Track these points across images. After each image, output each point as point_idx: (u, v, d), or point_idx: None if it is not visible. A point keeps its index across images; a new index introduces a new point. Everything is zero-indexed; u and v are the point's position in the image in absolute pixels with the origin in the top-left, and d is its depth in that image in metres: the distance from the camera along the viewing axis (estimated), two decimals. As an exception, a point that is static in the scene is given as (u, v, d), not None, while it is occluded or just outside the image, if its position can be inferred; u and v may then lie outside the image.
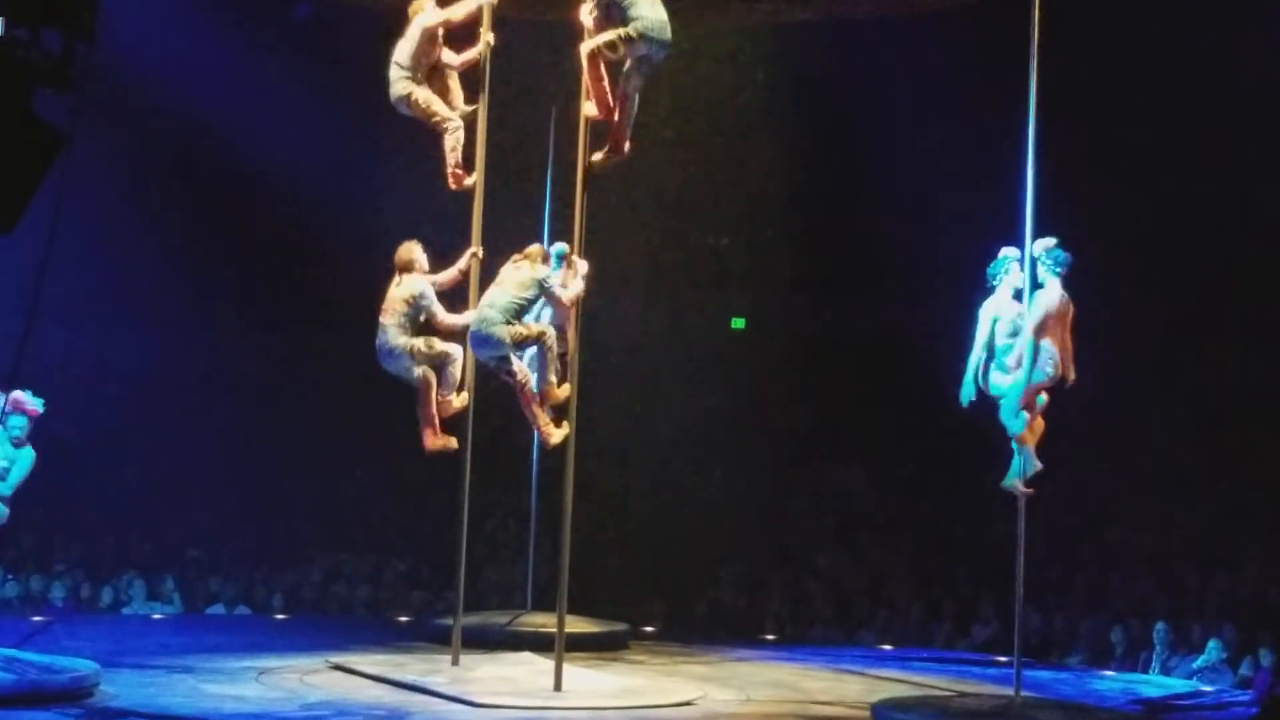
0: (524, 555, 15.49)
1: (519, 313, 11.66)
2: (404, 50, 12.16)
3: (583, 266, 11.76)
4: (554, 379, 11.81)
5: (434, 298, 11.87)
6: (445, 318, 11.90)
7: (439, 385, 11.88)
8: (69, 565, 17.61)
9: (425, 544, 18.26)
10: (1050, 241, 12.10)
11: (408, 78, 12.08)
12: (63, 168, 7.08)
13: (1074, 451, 16.12)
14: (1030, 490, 12.17)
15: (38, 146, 6.95)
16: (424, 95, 12.12)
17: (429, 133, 12.37)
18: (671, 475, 19.70)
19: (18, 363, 8.50)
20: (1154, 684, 14.21)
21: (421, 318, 11.83)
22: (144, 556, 17.90)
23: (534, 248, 11.93)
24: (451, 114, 12.15)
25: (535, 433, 12.58)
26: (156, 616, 16.65)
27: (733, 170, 20.46)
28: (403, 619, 16.67)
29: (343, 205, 18.05)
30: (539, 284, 11.69)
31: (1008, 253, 12.33)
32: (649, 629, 16.21)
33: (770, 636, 16.76)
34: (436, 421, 11.96)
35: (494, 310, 11.62)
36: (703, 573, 18.39)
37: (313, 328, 20.32)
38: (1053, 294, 12.07)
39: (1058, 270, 12.11)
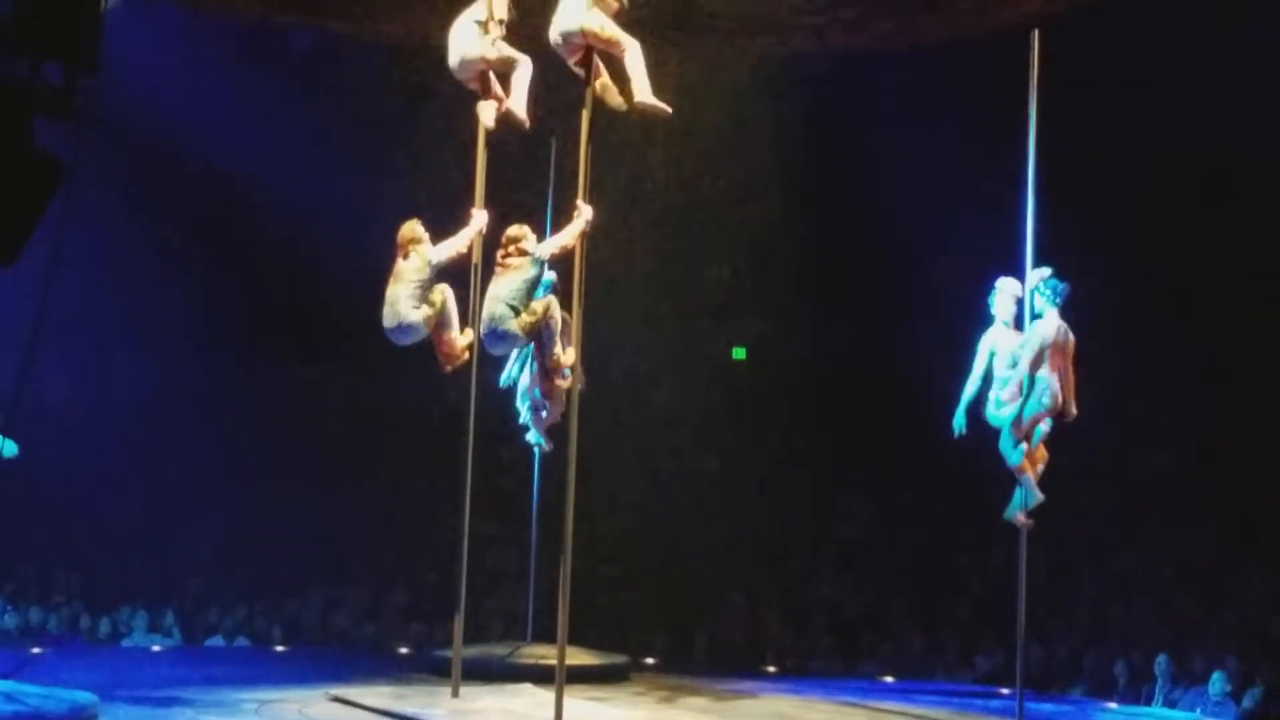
0: (524, 587, 15.45)
1: (527, 298, 11.61)
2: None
3: (587, 212, 11.65)
4: (559, 349, 11.81)
5: (442, 254, 11.80)
6: (451, 252, 11.83)
7: (445, 327, 11.85)
8: (68, 597, 17.59)
9: (425, 575, 18.24)
10: (1046, 272, 12.13)
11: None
12: (64, 199, 7.08)
13: (1074, 482, 16.09)
14: (1031, 522, 12.16)
15: (39, 177, 6.94)
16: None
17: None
18: (671, 506, 19.67)
19: (19, 392, 8.48)
20: (1157, 717, 14.18)
21: (434, 276, 11.77)
22: (144, 588, 17.87)
23: (513, 229, 11.81)
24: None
25: (534, 464, 12.56)
26: (156, 648, 16.61)
27: (734, 200, 20.48)
28: (403, 651, 16.63)
29: (344, 237, 18.04)
30: (536, 261, 11.64)
31: (1001, 284, 12.36)
32: (650, 661, 16.16)
33: (771, 668, 16.70)
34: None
35: (502, 304, 11.57)
36: (703, 604, 18.35)
37: (313, 359, 20.30)
38: (1050, 325, 12.09)
39: (1056, 300, 12.13)
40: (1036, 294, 12.13)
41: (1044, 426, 12.26)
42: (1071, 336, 12.23)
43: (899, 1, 15.74)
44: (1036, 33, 12.32)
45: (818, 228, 20.19)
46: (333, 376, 20.19)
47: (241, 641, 17.37)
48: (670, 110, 11.57)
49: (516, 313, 11.54)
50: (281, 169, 18.31)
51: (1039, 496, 12.17)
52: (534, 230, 11.88)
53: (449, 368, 12.04)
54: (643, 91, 11.39)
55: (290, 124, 18.69)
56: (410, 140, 19.11)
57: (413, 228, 11.86)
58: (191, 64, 18.15)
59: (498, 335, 11.67)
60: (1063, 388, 12.13)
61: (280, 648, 17.07)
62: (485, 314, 11.69)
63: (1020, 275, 12.29)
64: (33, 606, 17.26)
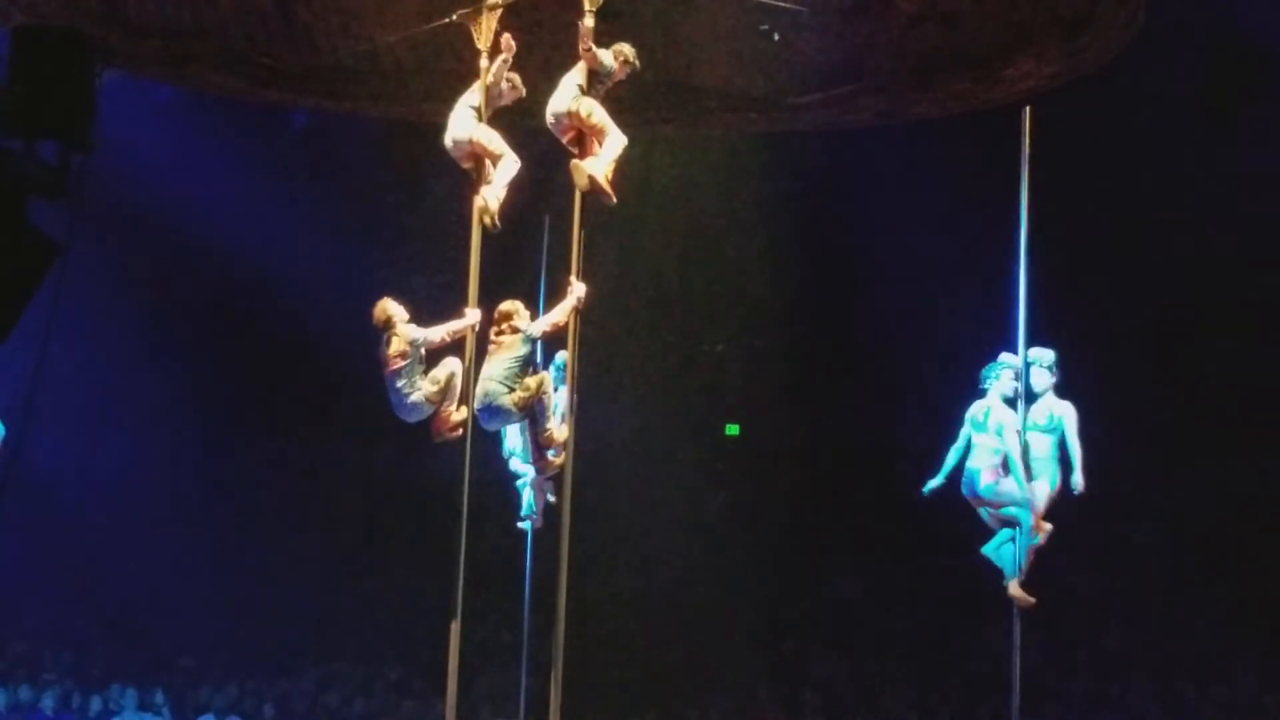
0: (516, 664, 15.37)
1: (521, 376, 11.63)
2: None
3: (579, 289, 11.67)
4: (551, 425, 11.79)
5: (424, 334, 11.81)
6: (436, 336, 11.84)
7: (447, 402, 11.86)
8: (59, 674, 17.49)
9: (417, 653, 18.14)
10: (1049, 354, 12.19)
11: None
12: (57, 277, 7.09)
13: (1069, 560, 16.07)
14: (1032, 600, 12.14)
15: (32, 256, 6.96)
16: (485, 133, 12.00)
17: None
18: (664, 582, 19.61)
19: (9, 470, 8.47)
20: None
21: (422, 352, 11.78)
22: (134, 666, 17.78)
23: (506, 305, 11.83)
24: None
25: (527, 542, 12.51)
26: (146, 727, 16.54)
27: (727, 276, 20.52)
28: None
29: (338, 314, 18.06)
30: (528, 339, 11.67)
31: (1006, 359, 12.37)
32: (642, 738, 16.08)
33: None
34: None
35: (494, 383, 11.58)
36: (696, 682, 18.26)
37: (306, 435, 20.30)
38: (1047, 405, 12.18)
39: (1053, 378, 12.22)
40: (1037, 370, 12.19)
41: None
42: (1073, 411, 12.31)
43: (891, 79, 15.83)
44: (1028, 109, 12.39)
45: (810, 303, 20.23)
46: (325, 453, 20.18)
47: (233, 719, 17.27)
48: (614, 199, 11.63)
49: (510, 389, 11.57)
50: (276, 246, 18.37)
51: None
52: (527, 306, 11.90)
53: (438, 439, 12.05)
54: (599, 170, 11.48)
55: (285, 201, 18.77)
56: (406, 216, 19.16)
57: (385, 307, 11.81)
58: (186, 142, 18.24)
59: (491, 411, 11.68)
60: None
61: (272, 726, 16.99)
62: (479, 391, 11.71)
63: (1013, 350, 12.34)
64: (23, 685, 17.16)
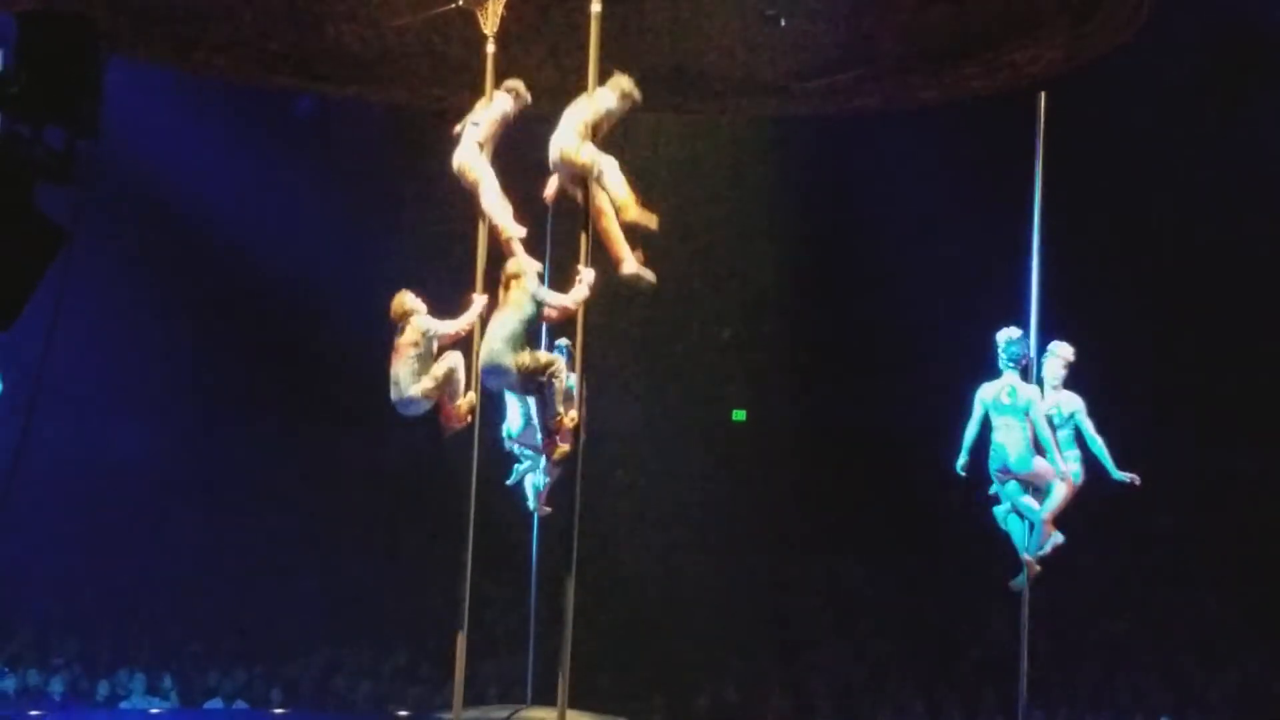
0: (524, 648, 15.39)
1: (524, 336, 11.55)
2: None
3: (589, 275, 11.64)
4: (561, 410, 11.73)
5: (438, 326, 11.80)
6: (450, 329, 11.84)
7: (450, 397, 11.83)
8: (67, 659, 17.53)
9: (424, 637, 18.17)
10: (1070, 349, 12.23)
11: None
12: (64, 263, 7.09)
13: (1076, 545, 16.06)
14: (1039, 568, 12.17)
15: (39, 242, 6.96)
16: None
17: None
18: (672, 568, 19.62)
19: (18, 456, 8.47)
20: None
21: (435, 346, 11.77)
22: (142, 651, 17.81)
23: (512, 265, 11.75)
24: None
25: (534, 526, 12.50)
26: (154, 711, 16.55)
27: (734, 263, 20.51)
28: (402, 713, 16.56)
29: (345, 299, 18.08)
30: (534, 299, 11.58)
31: (1058, 348, 12.36)
32: (649, 725, 16.10)
33: (773, 733, 16.65)
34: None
35: (498, 341, 11.50)
36: (704, 666, 18.28)
37: (314, 421, 20.31)
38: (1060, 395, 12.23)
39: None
40: (1048, 359, 12.22)
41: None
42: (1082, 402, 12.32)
43: (896, 65, 15.80)
44: (1043, 95, 12.38)
45: (817, 290, 20.22)
46: (333, 438, 20.19)
47: (240, 704, 17.30)
48: (655, 223, 11.58)
49: (513, 349, 11.46)
50: (282, 231, 18.37)
51: (1058, 539, 12.23)
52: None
53: (449, 433, 12.06)
54: (626, 209, 11.40)
55: (291, 187, 18.77)
56: (411, 201, 19.15)
57: (403, 300, 11.83)
58: (192, 128, 18.23)
59: (493, 370, 11.53)
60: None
61: (279, 710, 17.01)
62: (483, 351, 11.62)
63: (1026, 338, 12.34)
64: (31, 669, 17.20)
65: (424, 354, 11.71)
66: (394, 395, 11.80)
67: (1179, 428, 18.83)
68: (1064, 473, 12.12)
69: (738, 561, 19.66)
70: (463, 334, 11.93)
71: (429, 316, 11.82)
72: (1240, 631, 17.10)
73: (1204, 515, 18.43)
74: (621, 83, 11.48)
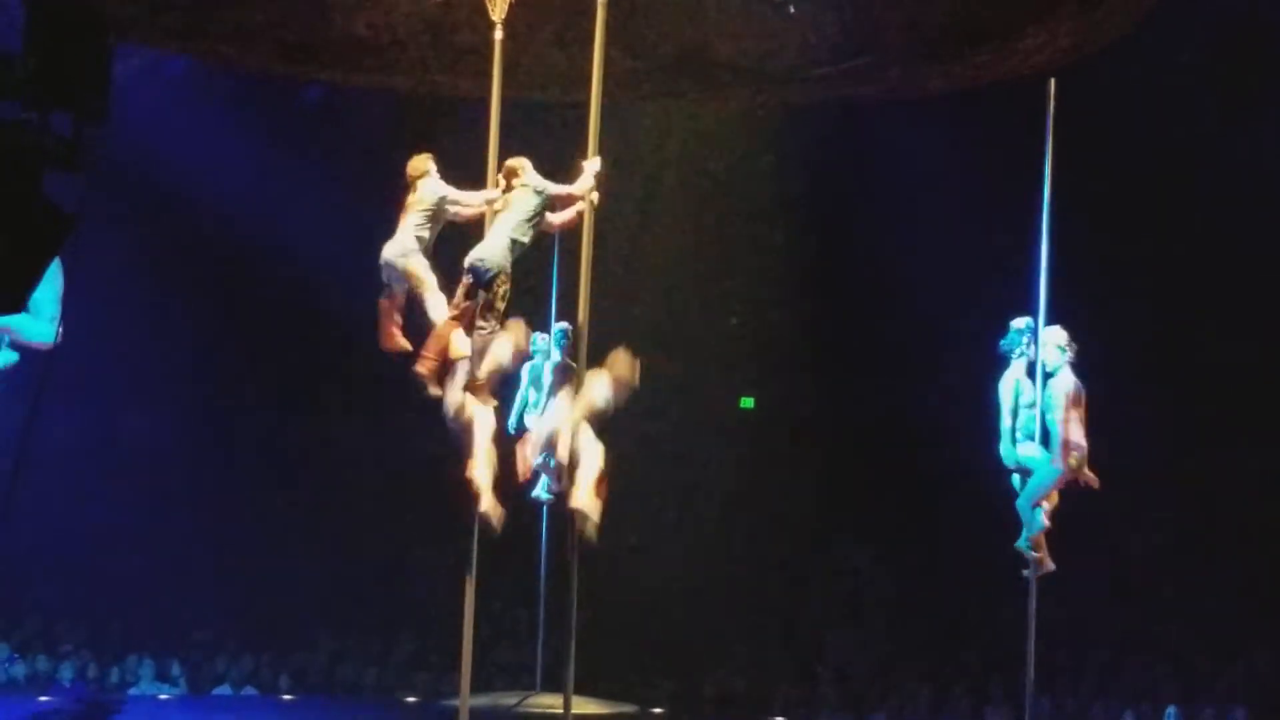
0: (532, 635, 15.41)
1: (526, 233, 11.38)
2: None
3: (595, 164, 11.53)
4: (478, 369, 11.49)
5: (455, 193, 11.60)
6: (468, 200, 11.63)
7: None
8: (75, 646, 17.56)
9: (432, 624, 18.17)
10: (1063, 334, 12.19)
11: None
12: (71, 250, 7.09)
13: (1084, 533, 16.06)
14: (1041, 556, 12.16)
15: (46, 229, 6.95)
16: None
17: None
18: (679, 555, 19.60)
19: (25, 442, 8.47)
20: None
21: (451, 210, 11.59)
22: (150, 637, 17.83)
23: (512, 161, 11.62)
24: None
25: (542, 513, 12.57)
26: (163, 697, 16.57)
27: (741, 249, 20.47)
28: (410, 700, 16.58)
29: (352, 288, 18.04)
30: (537, 191, 11.46)
31: (1021, 324, 12.36)
32: (657, 710, 16.10)
33: (779, 718, 16.63)
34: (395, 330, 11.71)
35: (500, 235, 11.30)
36: (711, 653, 18.28)
37: (323, 409, 20.30)
38: (1067, 380, 12.17)
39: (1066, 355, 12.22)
40: (1051, 349, 12.20)
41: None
42: (1083, 393, 12.30)
43: (909, 52, 15.76)
44: (1053, 82, 12.36)
45: (826, 277, 20.18)
46: (341, 425, 20.17)
47: (248, 691, 17.32)
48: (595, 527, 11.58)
49: (510, 247, 11.32)
50: (290, 220, 18.34)
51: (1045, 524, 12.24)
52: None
53: (384, 346, 11.82)
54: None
55: (299, 175, 18.73)
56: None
57: (424, 160, 11.69)
58: (200, 116, 18.21)
59: (477, 262, 11.34)
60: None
61: (287, 697, 17.03)
62: (481, 244, 11.44)
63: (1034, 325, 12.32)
64: (40, 655, 17.23)
65: (429, 211, 11.50)
66: (385, 251, 11.66)
67: (1188, 416, 18.79)
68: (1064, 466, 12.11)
69: (746, 548, 19.65)
70: (479, 211, 11.70)
71: (445, 184, 11.59)
72: (1248, 623, 17.07)
73: (1213, 505, 18.39)
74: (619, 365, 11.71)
